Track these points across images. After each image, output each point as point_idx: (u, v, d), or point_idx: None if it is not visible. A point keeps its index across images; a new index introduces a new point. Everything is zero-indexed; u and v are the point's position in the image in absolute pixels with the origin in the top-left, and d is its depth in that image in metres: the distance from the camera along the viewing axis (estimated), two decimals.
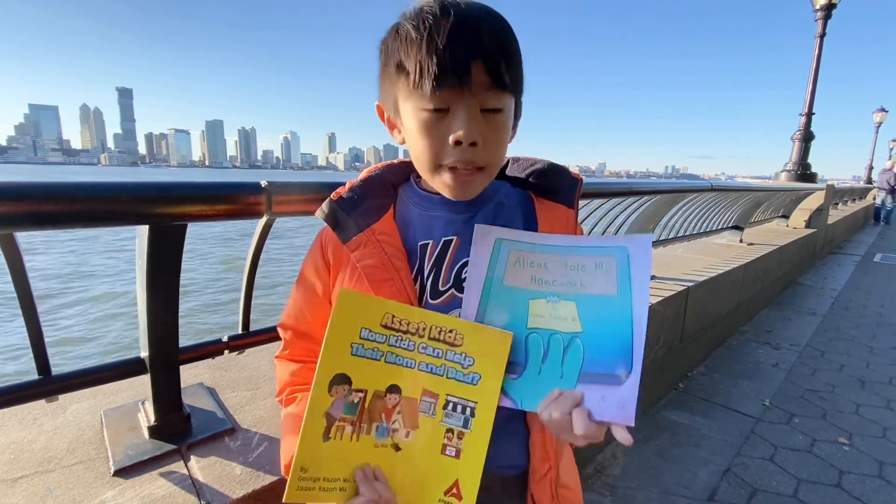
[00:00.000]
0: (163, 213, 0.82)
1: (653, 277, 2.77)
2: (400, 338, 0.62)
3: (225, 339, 1.15)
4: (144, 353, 0.98)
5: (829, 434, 2.35)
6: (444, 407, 0.62)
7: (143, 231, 0.87)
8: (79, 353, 6.53)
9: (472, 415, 0.62)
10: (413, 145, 0.66)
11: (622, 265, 0.63)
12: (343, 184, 0.75)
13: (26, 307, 0.85)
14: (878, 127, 19.65)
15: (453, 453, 0.62)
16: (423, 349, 0.62)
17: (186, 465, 0.93)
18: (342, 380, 0.60)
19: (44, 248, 13.16)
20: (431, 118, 0.61)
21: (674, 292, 2.51)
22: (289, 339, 0.78)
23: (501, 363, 0.62)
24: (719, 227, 4.42)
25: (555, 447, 0.73)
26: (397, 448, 0.62)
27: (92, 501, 0.82)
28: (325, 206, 0.71)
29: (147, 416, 1.03)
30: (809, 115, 7.38)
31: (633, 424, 0.57)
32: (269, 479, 0.91)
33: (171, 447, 0.97)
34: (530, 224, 0.74)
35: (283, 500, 0.58)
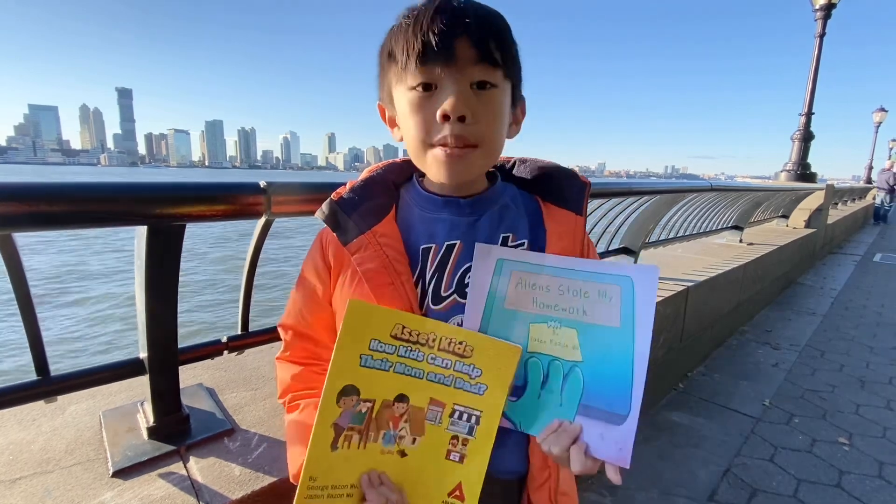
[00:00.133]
0: (161, 213, 0.82)
1: None
2: (410, 348, 0.61)
3: (224, 339, 1.15)
4: (143, 354, 0.98)
5: (829, 434, 2.35)
6: (451, 415, 0.62)
7: (141, 231, 0.87)
8: (76, 348, 6.53)
9: (477, 423, 0.62)
10: (405, 129, 0.65)
11: (626, 296, 0.62)
12: (343, 184, 0.74)
13: (25, 308, 0.85)
14: (878, 127, 19.66)
15: (457, 458, 0.63)
16: (432, 360, 0.62)
17: (185, 466, 0.93)
18: (350, 391, 0.60)
19: (42, 248, 13.15)
20: (420, 97, 0.61)
21: (674, 292, 2.51)
22: (289, 339, 0.77)
23: (509, 375, 0.62)
24: (719, 227, 4.41)
25: None
26: (403, 454, 0.63)
27: (91, 502, 0.82)
28: (325, 206, 0.69)
29: (146, 416, 1.03)
30: (809, 114, 7.38)
31: (627, 466, 0.58)
32: (268, 479, 0.91)
33: (170, 448, 0.97)
34: (537, 229, 0.72)
35: None
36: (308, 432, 0.60)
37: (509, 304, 0.65)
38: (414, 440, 0.63)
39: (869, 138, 20.88)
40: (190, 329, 6.94)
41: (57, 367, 0.92)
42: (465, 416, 0.62)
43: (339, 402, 0.60)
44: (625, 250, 2.75)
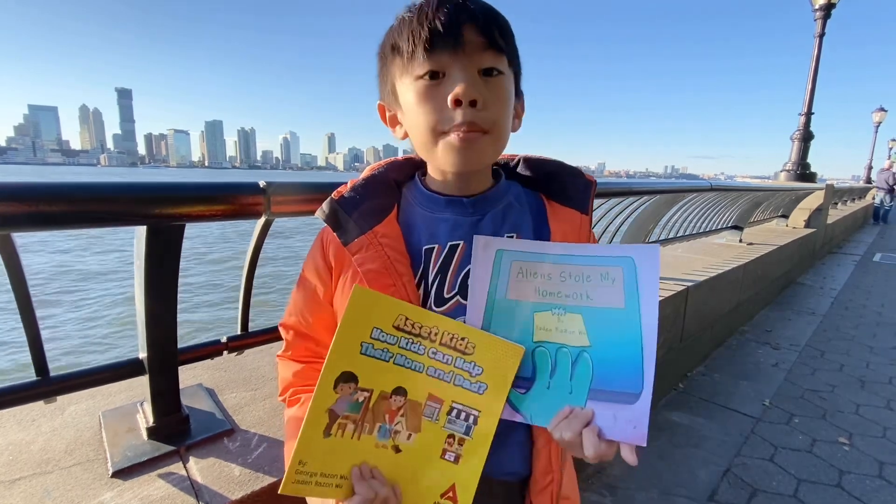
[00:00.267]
0: (161, 213, 0.82)
1: None
2: (411, 341, 0.61)
3: (224, 339, 1.15)
4: (143, 354, 0.98)
5: (829, 434, 2.35)
6: (448, 413, 0.62)
7: (141, 231, 0.87)
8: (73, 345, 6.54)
9: (475, 423, 0.62)
10: (412, 122, 0.64)
11: (629, 276, 0.61)
12: (344, 183, 0.73)
13: (24, 308, 0.85)
14: (878, 126, 19.67)
15: (452, 458, 0.62)
16: (432, 354, 0.61)
17: (185, 467, 0.93)
18: (348, 378, 0.59)
19: (38, 247, 13.14)
20: (428, 85, 0.60)
21: (674, 292, 2.51)
22: (290, 339, 0.77)
23: (510, 375, 0.62)
24: (719, 227, 4.42)
25: (559, 460, 0.72)
26: (397, 449, 0.62)
27: (90, 503, 0.82)
28: (325, 205, 0.69)
29: (146, 417, 1.03)
30: (809, 114, 7.38)
31: (644, 444, 0.56)
32: (268, 480, 0.91)
33: (169, 448, 0.96)
34: (541, 228, 0.71)
35: (279, 492, 0.58)
36: None
37: (511, 295, 0.64)
38: (409, 436, 0.62)
39: (868, 138, 20.92)
40: (189, 330, 6.93)
41: (58, 364, 0.92)
42: (462, 415, 0.62)
43: (337, 388, 0.59)
44: None
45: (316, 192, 0.94)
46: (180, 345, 1.02)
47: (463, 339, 0.62)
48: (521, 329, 0.64)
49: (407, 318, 0.61)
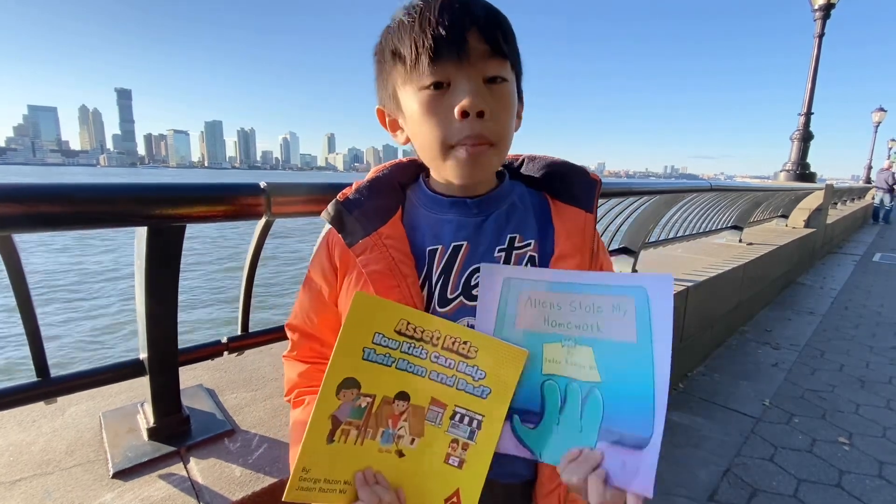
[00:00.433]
0: (162, 214, 0.82)
1: None
2: (413, 345, 0.61)
3: (224, 340, 1.15)
4: (143, 355, 0.98)
5: (829, 434, 2.35)
6: (452, 417, 0.61)
7: (141, 232, 0.87)
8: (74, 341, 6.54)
9: (479, 427, 0.61)
10: (418, 133, 0.64)
11: (641, 308, 0.59)
12: (349, 184, 0.73)
13: (24, 309, 0.85)
14: (877, 126, 19.67)
15: (456, 463, 0.62)
16: (435, 358, 0.61)
17: (186, 467, 0.93)
18: (351, 384, 0.59)
19: (34, 247, 13.13)
20: (433, 96, 0.59)
21: (674, 292, 2.51)
22: (296, 339, 0.77)
23: (514, 379, 0.61)
24: (719, 227, 4.42)
25: None
26: (401, 454, 0.62)
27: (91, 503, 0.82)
28: (330, 207, 0.69)
29: (146, 417, 1.03)
30: (808, 114, 7.38)
31: (651, 496, 0.55)
32: (268, 480, 0.91)
33: (170, 449, 0.97)
34: (546, 227, 0.71)
35: (283, 499, 0.58)
36: None
37: (520, 325, 0.63)
38: (413, 441, 0.62)
39: (868, 138, 20.92)
40: (188, 329, 6.93)
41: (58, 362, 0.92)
42: (466, 420, 0.61)
43: (339, 394, 0.59)
44: (625, 250, 2.76)
45: (316, 193, 0.94)
46: (180, 345, 1.02)
47: (465, 342, 0.61)
48: (529, 361, 0.63)
49: (409, 323, 0.60)
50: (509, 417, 0.64)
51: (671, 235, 3.53)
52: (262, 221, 1.01)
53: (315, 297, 0.74)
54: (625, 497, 0.56)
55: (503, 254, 0.69)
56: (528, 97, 0.73)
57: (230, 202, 0.88)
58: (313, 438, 0.58)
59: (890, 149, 22.92)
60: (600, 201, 2.29)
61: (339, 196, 0.70)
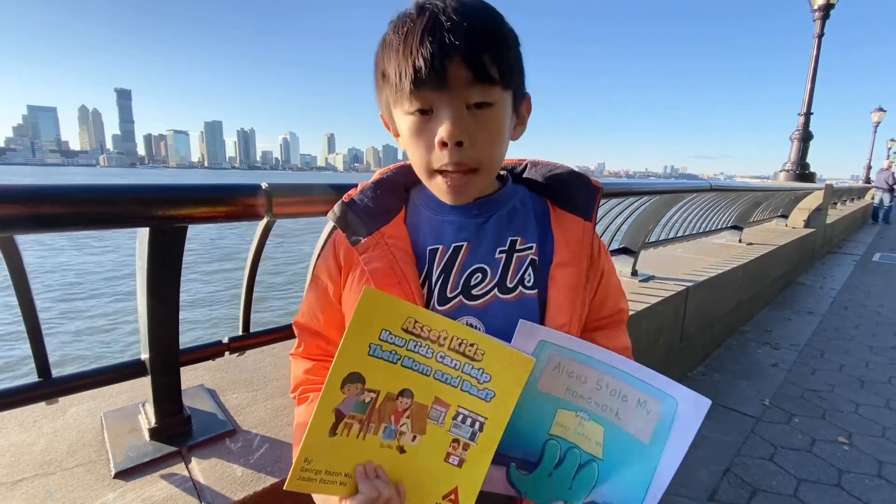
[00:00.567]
0: (163, 215, 0.82)
1: (652, 277, 2.77)
2: (420, 344, 0.61)
3: (225, 340, 1.15)
4: (145, 355, 0.98)
5: (829, 433, 2.35)
6: (454, 418, 0.62)
7: (143, 233, 0.87)
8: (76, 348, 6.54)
9: (481, 429, 0.62)
10: (408, 151, 0.67)
11: (666, 417, 0.59)
12: (350, 185, 0.76)
13: (26, 309, 0.85)
14: (877, 126, 19.69)
15: (456, 462, 0.62)
16: (440, 358, 0.61)
17: (187, 467, 0.93)
18: (356, 378, 0.59)
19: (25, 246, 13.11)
20: (418, 121, 0.61)
21: (674, 292, 2.51)
22: (303, 337, 0.78)
23: (518, 385, 0.62)
24: (718, 227, 4.42)
25: None
26: (402, 450, 0.62)
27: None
28: (336, 207, 0.71)
29: (148, 417, 1.03)
30: (808, 114, 7.39)
31: None
32: (270, 480, 0.91)
33: (171, 449, 0.97)
34: (545, 233, 0.72)
35: (284, 488, 0.59)
36: None
37: (542, 387, 0.64)
38: (414, 438, 0.62)
39: (867, 138, 20.93)
40: (188, 327, 6.93)
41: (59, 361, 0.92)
42: (468, 421, 0.62)
43: (344, 389, 0.59)
44: (625, 250, 2.76)
45: (317, 194, 0.95)
46: (181, 346, 1.02)
47: (472, 345, 0.61)
48: (539, 419, 0.64)
49: (416, 321, 0.60)
50: (505, 464, 0.65)
51: (671, 235, 3.53)
52: (264, 222, 1.02)
53: (321, 295, 0.75)
54: None
55: (504, 255, 0.70)
56: None
57: (232, 203, 0.88)
58: (316, 430, 0.59)
59: (889, 149, 22.93)
60: (600, 201, 2.29)
61: (345, 197, 0.72)
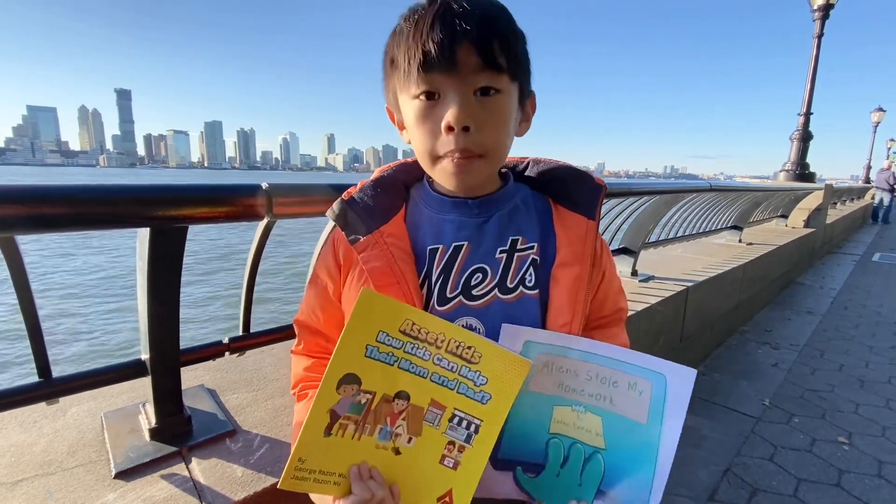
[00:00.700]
0: (164, 215, 0.82)
1: (652, 277, 2.77)
2: (417, 346, 0.61)
3: (225, 340, 1.15)
4: (145, 356, 0.98)
5: (829, 433, 2.35)
6: (450, 420, 0.62)
7: (143, 233, 0.87)
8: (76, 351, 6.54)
9: (476, 432, 0.62)
10: (413, 138, 0.66)
11: (658, 394, 0.60)
12: (350, 185, 0.75)
13: (27, 310, 0.85)
14: (876, 126, 19.69)
15: (451, 464, 0.62)
16: (437, 361, 0.61)
17: (188, 467, 0.93)
18: (352, 379, 0.59)
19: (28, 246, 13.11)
20: (424, 106, 0.61)
21: (673, 292, 2.51)
22: (303, 335, 0.78)
23: (515, 388, 0.62)
24: (718, 227, 4.42)
25: None
26: (397, 452, 0.62)
27: None
28: (335, 206, 0.70)
29: (148, 418, 1.03)
30: (808, 114, 7.39)
31: None
32: (270, 480, 0.91)
33: (172, 449, 0.97)
34: (547, 232, 0.72)
35: (277, 487, 0.59)
36: None
37: (533, 387, 0.64)
38: (410, 439, 0.62)
39: (867, 138, 20.94)
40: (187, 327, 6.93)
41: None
42: (464, 423, 0.62)
43: (339, 389, 0.59)
44: (625, 250, 2.76)
45: (318, 194, 0.95)
46: (182, 346, 1.02)
47: (469, 347, 0.61)
48: (537, 419, 0.64)
49: (413, 323, 0.60)
50: (512, 469, 0.65)
51: (671, 235, 3.53)
52: (264, 222, 1.02)
53: (321, 293, 0.75)
54: None
55: (504, 255, 0.69)
56: None
57: (232, 203, 0.88)
58: (311, 430, 0.59)
59: (889, 148, 22.94)
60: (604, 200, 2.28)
61: (344, 195, 0.71)
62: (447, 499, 0.62)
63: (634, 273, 2.76)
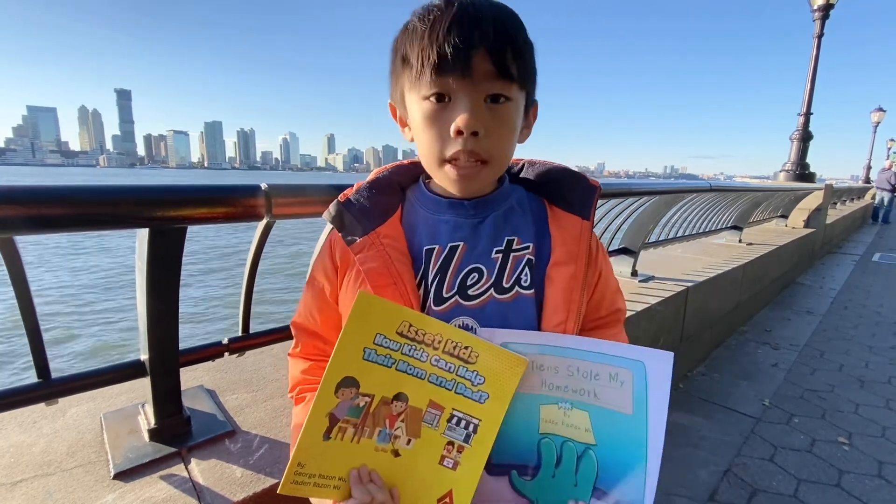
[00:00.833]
0: (163, 216, 0.82)
1: (652, 278, 2.77)
2: (414, 347, 0.61)
3: (225, 341, 1.15)
4: (144, 356, 0.98)
5: (829, 434, 2.35)
6: (449, 420, 0.62)
7: (143, 234, 0.87)
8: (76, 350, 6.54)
9: (475, 431, 0.62)
10: (419, 139, 0.66)
11: (639, 382, 0.60)
12: (349, 185, 0.75)
13: (26, 310, 0.85)
14: (876, 126, 19.69)
15: (451, 465, 0.62)
16: (435, 362, 0.61)
17: (187, 468, 0.93)
18: (350, 383, 0.60)
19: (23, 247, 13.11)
20: (434, 108, 0.61)
21: (673, 292, 2.51)
22: (300, 337, 0.78)
23: (512, 386, 0.62)
24: (718, 227, 4.42)
25: None
26: (396, 454, 0.62)
27: None
28: (332, 207, 0.71)
29: (147, 418, 1.03)
30: (808, 114, 7.39)
31: None
32: (269, 481, 0.91)
33: (171, 450, 0.97)
34: (542, 233, 0.72)
35: (277, 492, 0.59)
36: None
37: (519, 388, 0.63)
38: (409, 441, 0.62)
39: (867, 138, 20.94)
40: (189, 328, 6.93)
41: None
42: (462, 423, 0.62)
43: (338, 393, 0.59)
44: (625, 250, 2.76)
45: (317, 195, 0.95)
46: (181, 346, 1.02)
47: (466, 347, 0.62)
48: (526, 421, 0.64)
49: (410, 325, 0.61)
50: (506, 474, 0.65)
51: (671, 235, 3.53)
52: (263, 223, 1.02)
53: (318, 295, 0.75)
54: None
55: (500, 255, 0.70)
56: None
57: (231, 203, 0.88)
58: (310, 434, 0.59)
59: (889, 148, 22.94)
60: (600, 201, 2.29)
61: (341, 196, 0.71)
62: (447, 499, 0.62)
63: (634, 273, 2.76)
